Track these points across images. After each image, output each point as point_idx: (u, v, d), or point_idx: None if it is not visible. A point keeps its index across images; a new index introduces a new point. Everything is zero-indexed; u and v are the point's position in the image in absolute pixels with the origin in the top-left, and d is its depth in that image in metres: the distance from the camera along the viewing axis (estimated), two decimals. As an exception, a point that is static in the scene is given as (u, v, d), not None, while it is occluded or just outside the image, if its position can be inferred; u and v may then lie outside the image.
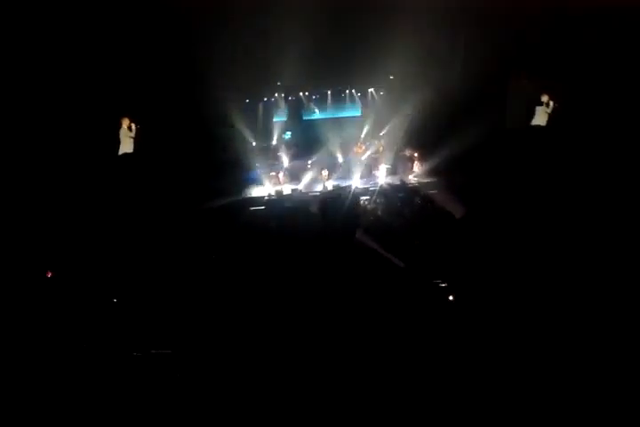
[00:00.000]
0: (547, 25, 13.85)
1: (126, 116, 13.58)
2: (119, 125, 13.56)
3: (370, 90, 17.61)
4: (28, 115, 11.76)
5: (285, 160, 16.85)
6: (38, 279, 9.06)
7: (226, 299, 8.46)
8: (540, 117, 15.26)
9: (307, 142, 17.64)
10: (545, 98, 15.05)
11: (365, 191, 15.23)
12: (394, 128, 17.23)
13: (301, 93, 17.18)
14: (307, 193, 14.92)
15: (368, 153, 17.29)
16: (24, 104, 11.68)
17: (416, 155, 16.35)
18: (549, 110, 15.05)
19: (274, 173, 15.89)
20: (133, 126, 13.66)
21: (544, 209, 11.70)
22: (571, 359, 6.49)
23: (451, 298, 8.61)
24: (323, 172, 15.87)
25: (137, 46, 13.09)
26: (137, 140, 13.73)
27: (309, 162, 16.62)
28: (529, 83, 15.36)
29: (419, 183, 15.60)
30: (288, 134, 17.86)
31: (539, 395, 5.99)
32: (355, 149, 17.54)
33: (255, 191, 15.20)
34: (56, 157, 12.21)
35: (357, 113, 18.29)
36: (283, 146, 17.39)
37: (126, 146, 13.74)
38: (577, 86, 14.24)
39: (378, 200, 14.48)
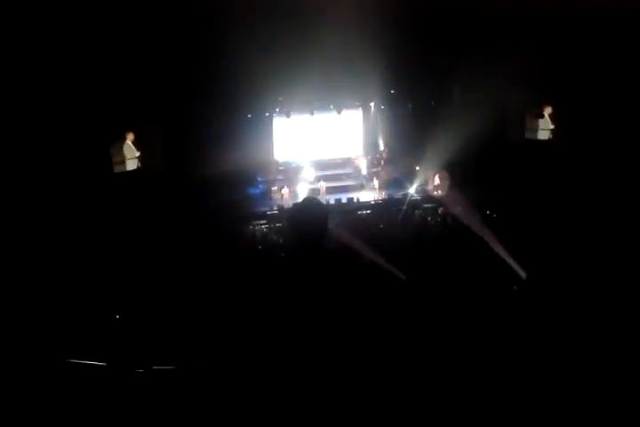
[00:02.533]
0: (548, 38, 13.96)
1: (131, 130, 13.74)
2: (123, 140, 13.74)
3: (371, 104, 17.67)
4: (34, 127, 11.86)
5: (289, 175, 16.93)
6: (40, 295, 9.04)
7: (228, 314, 8.43)
8: (542, 131, 15.40)
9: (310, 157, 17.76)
10: (547, 111, 15.19)
11: (368, 205, 15.29)
12: (395, 142, 17.31)
13: (303, 108, 17.25)
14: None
15: (369, 167, 17.41)
16: (29, 118, 11.79)
17: (418, 169, 16.42)
18: (551, 124, 15.18)
19: (276, 188, 15.93)
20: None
21: (555, 220, 11.71)
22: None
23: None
24: (319, 184, 15.91)
25: (137, 60, 13.22)
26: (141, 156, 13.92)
27: (311, 176, 16.69)
28: (530, 96, 15.49)
29: (421, 197, 15.64)
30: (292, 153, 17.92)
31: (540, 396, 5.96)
32: (356, 163, 17.62)
33: (257, 207, 15.27)
34: (58, 170, 12.29)
35: (359, 127, 18.35)
36: (286, 161, 17.48)
37: (131, 162, 13.89)
38: (578, 99, 14.33)
39: (380, 213, 14.53)
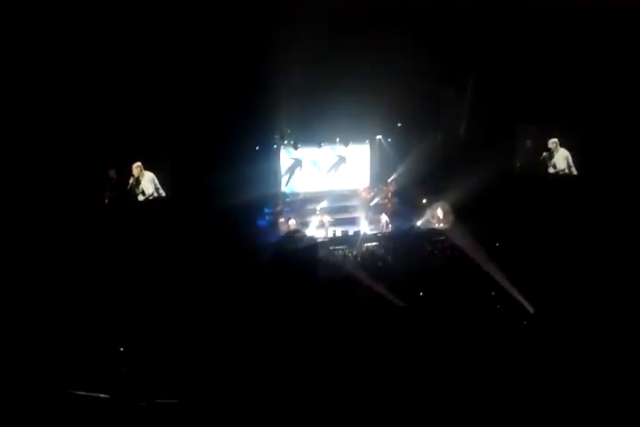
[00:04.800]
0: (554, 71, 14.12)
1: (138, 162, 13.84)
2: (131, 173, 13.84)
3: (378, 137, 17.82)
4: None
5: (295, 206, 17.02)
6: (47, 325, 9.00)
7: (233, 348, 8.36)
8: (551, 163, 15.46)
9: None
10: (553, 143, 15.26)
11: (373, 237, 15.25)
12: (402, 174, 17.39)
13: (311, 140, 17.41)
14: (313, 239, 14.94)
15: (376, 199, 17.48)
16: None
17: (425, 201, 16.47)
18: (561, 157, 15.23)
19: (283, 220, 15.99)
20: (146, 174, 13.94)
21: (559, 255, 11.62)
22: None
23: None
24: (323, 218, 15.97)
25: (150, 92, 13.47)
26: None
27: (318, 208, 16.76)
28: (537, 128, 15.58)
29: (429, 229, 15.61)
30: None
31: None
32: (363, 195, 17.70)
33: (263, 237, 15.31)
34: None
35: (366, 160, 18.45)
36: (293, 192, 17.58)
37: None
38: (587, 132, 14.38)
39: (386, 246, 14.47)
